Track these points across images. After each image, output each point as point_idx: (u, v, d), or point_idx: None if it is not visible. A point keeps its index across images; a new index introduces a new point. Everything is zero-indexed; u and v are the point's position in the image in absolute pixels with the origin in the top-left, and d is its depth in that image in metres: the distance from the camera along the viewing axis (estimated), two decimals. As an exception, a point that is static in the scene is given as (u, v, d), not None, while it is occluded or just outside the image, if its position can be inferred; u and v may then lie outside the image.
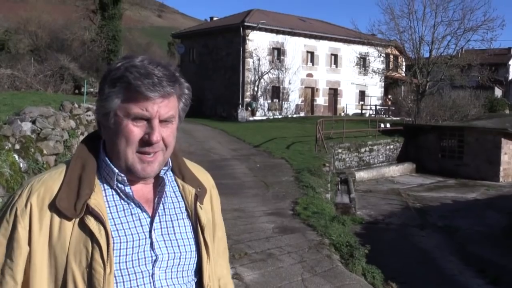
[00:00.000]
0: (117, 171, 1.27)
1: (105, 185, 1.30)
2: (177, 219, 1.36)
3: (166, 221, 1.34)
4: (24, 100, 14.66)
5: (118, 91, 1.24)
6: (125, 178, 1.29)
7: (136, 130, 1.25)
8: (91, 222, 1.21)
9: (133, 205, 1.30)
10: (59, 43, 39.32)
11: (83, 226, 1.21)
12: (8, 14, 51.67)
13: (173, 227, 1.34)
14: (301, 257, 6.62)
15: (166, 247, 1.30)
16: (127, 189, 1.30)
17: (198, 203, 1.39)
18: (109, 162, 1.29)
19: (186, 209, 1.39)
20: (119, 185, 1.29)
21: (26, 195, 1.23)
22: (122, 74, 1.24)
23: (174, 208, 1.37)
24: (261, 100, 33.56)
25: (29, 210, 1.21)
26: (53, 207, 1.21)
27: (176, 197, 1.39)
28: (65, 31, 41.36)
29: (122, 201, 1.29)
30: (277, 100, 34.57)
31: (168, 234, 1.32)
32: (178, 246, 1.32)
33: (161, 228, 1.32)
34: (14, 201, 1.24)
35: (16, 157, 6.90)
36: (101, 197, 1.26)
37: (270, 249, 6.93)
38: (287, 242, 7.31)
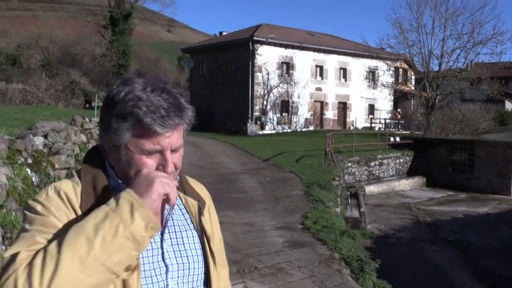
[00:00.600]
0: (130, 190, 1.26)
1: None
2: (185, 230, 1.40)
3: (175, 232, 1.38)
4: (35, 115, 14.84)
5: (128, 126, 1.25)
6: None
7: (151, 162, 1.27)
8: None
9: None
10: (70, 58, 39.79)
11: None
12: (20, 30, 52.38)
13: (182, 237, 1.38)
14: (311, 272, 6.61)
15: (176, 257, 1.34)
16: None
17: (201, 215, 1.45)
18: (121, 182, 1.31)
19: (192, 221, 1.43)
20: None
21: (53, 192, 1.28)
22: (131, 110, 1.24)
23: (181, 220, 1.42)
24: (270, 114, 33.63)
25: (58, 203, 1.25)
26: (76, 210, 1.26)
27: (181, 209, 1.44)
28: (76, 46, 41.89)
29: None
30: (286, 114, 34.62)
31: (178, 245, 1.36)
32: (187, 256, 1.36)
33: (170, 239, 1.36)
34: (40, 197, 1.28)
35: (29, 171, 6.98)
36: None
37: (280, 263, 6.92)
38: (297, 256, 7.30)
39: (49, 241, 1.14)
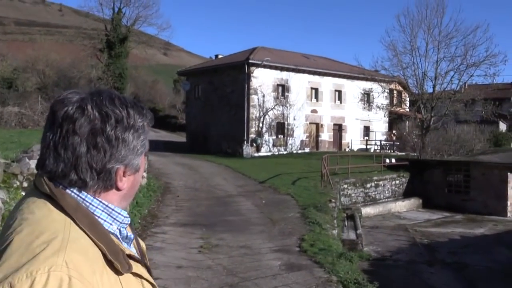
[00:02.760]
0: (126, 213, 1.24)
1: None
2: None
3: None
4: (31, 138, 14.81)
5: (144, 139, 1.24)
6: (128, 219, 1.27)
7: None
8: (138, 268, 1.21)
9: (130, 245, 1.30)
10: (67, 81, 39.89)
11: (128, 276, 1.17)
12: (16, 53, 52.69)
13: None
14: (308, 295, 6.54)
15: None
16: (126, 231, 1.27)
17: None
18: (115, 206, 1.21)
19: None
20: (122, 228, 1.25)
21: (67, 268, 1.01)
22: (143, 124, 1.23)
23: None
24: (266, 136, 33.66)
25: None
26: (99, 268, 1.08)
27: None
28: (72, 69, 42.08)
29: (123, 242, 1.25)
30: (282, 136, 34.66)
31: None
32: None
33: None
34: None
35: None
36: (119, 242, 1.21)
37: (278, 287, 6.86)
38: (294, 279, 7.24)
39: None
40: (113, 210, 1.20)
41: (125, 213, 1.23)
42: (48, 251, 1.00)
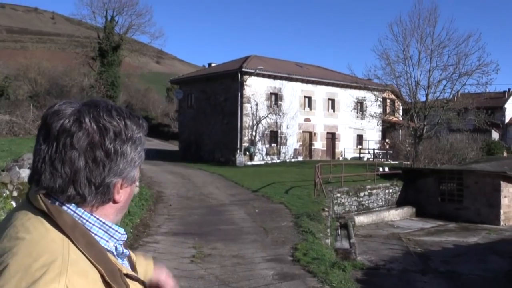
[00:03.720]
0: (123, 230, 1.22)
1: None
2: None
3: None
4: (22, 146, 14.74)
5: (141, 150, 1.23)
6: (125, 236, 1.25)
7: None
8: (136, 286, 1.20)
9: (125, 261, 1.29)
10: (58, 89, 39.82)
11: None
12: (8, 61, 52.51)
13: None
14: (301, 305, 6.52)
15: None
16: (122, 248, 1.25)
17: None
18: (112, 224, 1.20)
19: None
20: (118, 245, 1.23)
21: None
22: (140, 136, 1.21)
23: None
24: (259, 145, 33.68)
25: None
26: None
27: None
28: (64, 78, 42.00)
29: (119, 259, 1.24)
30: (275, 145, 34.70)
31: None
32: None
33: None
34: None
35: (14, 204, 6.88)
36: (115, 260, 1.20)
37: (270, 296, 6.82)
38: (287, 289, 7.21)
39: None
40: (110, 227, 1.18)
41: (122, 231, 1.21)
42: (48, 275, 0.97)
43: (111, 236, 1.19)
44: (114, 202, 1.19)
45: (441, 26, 38.25)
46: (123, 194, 1.20)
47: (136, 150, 1.20)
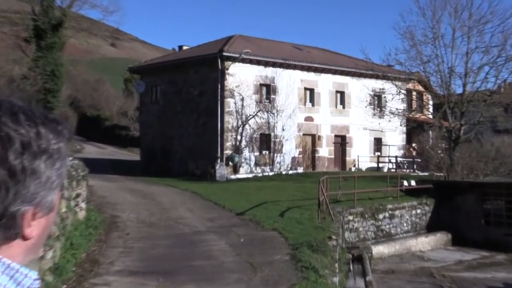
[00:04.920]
0: (35, 275, 1.17)
1: None
2: None
3: None
4: None
5: (61, 173, 1.19)
6: (38, 283, 1.18)
7: None
8: None
9: None
10: (-21, 81, 39.52)
11: None
12: None
13: None
14: None
15: None
16: None
17: None
18: (19, 266, 1.15)
19: None
20: None
21: None
22: (59, 147, 1.16)
23: None
24: (246, 153, 33.66)
25: None
26: None
27: None
28: (-13, 66, 41.65)
29: None
30: (267, 152, 34.70)
31: None
32: None
33: None
34: None
35: None
36: None
37: None
38: None
39: None
40: (16, 271, 1.12)
41: (34, 275, 1.15)
42: None
43: (18, 284, 1.11)
44: (24, 238, 1.14)
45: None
46: (36, 228, 1.15)
47: (53, 167, 1.15)
